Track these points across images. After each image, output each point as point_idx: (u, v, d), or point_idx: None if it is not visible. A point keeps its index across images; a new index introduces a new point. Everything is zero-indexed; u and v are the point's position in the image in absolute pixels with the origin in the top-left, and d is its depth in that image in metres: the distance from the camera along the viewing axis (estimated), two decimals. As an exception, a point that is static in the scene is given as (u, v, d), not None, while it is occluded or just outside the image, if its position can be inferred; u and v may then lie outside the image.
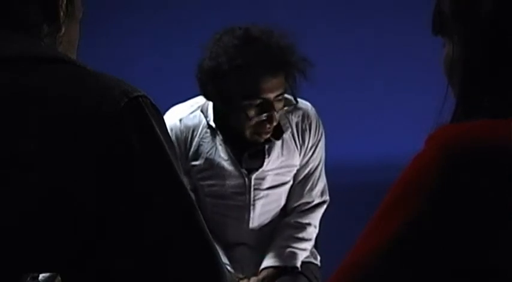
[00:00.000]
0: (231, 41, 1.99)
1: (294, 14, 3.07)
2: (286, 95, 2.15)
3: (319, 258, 2.30)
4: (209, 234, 0.95)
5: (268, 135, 2.09)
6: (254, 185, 2.15)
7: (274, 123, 2.05)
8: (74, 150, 0.87)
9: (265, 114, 2.02)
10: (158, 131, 0.92)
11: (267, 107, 2.02)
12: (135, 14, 3.68)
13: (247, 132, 2.07)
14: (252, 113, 2.02)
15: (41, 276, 0.88)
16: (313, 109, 2.21)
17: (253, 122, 2.03)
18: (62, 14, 0.99)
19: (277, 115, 2.06)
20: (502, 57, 0.74)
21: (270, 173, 2.15)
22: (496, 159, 0.67)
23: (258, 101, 2.01)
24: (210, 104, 2.13)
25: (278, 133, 2.13)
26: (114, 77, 0.96)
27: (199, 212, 0.96)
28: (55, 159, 0.86)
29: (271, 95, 2.01)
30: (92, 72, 0.95)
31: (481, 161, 0.67)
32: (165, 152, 0.92)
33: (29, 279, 0.85)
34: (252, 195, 2.16)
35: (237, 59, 1.97)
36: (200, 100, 2.16)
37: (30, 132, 0.88)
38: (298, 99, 2.21)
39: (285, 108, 2.10)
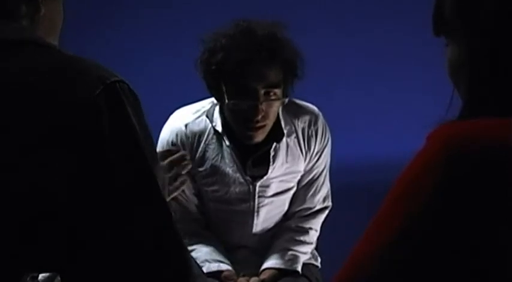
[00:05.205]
0: (227, 31, 1.99)
1: (296, 15, 3.07)
2: (295, 100, 2.14)
3: (319, 259, 2.29)
4: (174, 222, 0.93)
5: (260, 135, 2.04)
6: (259, 192, 2.12)
7: (263, 119, 2.00)
8: (47, 143, 0.86)
9: (249, 103, 1.97)
10: (133, 119, 0.90)
11: (252, 96, 1.97)
12: (138, 13, 3.68)
13: (235, 125, 2.04)
14: (236, 101, 1.98)
15: (41, 276, 0.88)
16: (320, 114, 2.17)
17: (239, 112, 1.99)
18: None
19: (270, 113, 2.01)
20: (506, 57, 0.74)
21: (274, 180, 2.13)
22: (497, 157, 0.67)
23: (243, 89, 1.97)
24: (216, 109, 2.11)
25: (278, 135, 2.09)
26: (91, 60, 0.93)
27: (166, 197, 0.94)
28: (31, 156, 0.85)
29: (258, 85, 1.96)
30: (67, 56, 0.92)
31: (482, 159, 0.67)
32: (138, 142, 0.90)
33: (28, 279, 0.85)
34: (256, 202, 2.14)
35: (227, 46, 1.96)
36: (205, 104, 2.14)
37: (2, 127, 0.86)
38: (305, 104, 2.19)
39: (277, 102, 2.03)
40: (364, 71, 3.63)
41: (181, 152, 1.43)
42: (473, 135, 0.68)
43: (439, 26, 0.81)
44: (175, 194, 1.38)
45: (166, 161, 1.35)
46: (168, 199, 1.33)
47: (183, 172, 1.38)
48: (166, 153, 1.39)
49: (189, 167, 1.43)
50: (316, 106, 2.20)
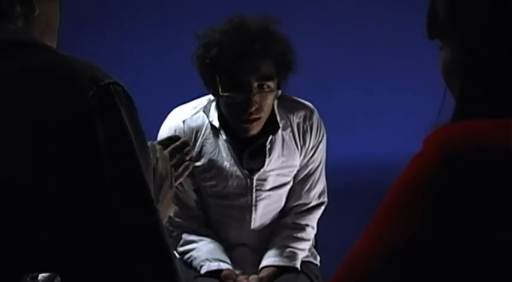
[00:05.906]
0: (221, 27, 2.02)
1: (295, 14, 3.08)
2: (291, 96, 2.15)
3: (318, 258, 2.30)
4: (165, 232, 0.92)
5: (256, 128, 2.07)
6: (256, 186, 2.15)
7: (257, 112, 2.03)
8: (39, 145, 0.85)
9: (242, 96, 2.01)
10: (127, 122, 0.89)
11: (245, 88, 2.00)
12: (138, 13, 3.68)
13: (231, 119, 2.07)
14: (230, 94, 2.02)
15: (41, 276, 0.88)
16: (315, 110, 2.20)
17: (233, 105, 2.03)
18: None
19: (264, 105, 2.04)
20: (504, 57, 0.74)
21: (271, 173, 2.15)
22: (496, 158, 0.66)
23: (237, 82, 2.00)
24: (213, 105, 2.13)
25: (274, 128, 2.12)
26: (86, 61, 0.92)
27: (157, 208, 0.94)
28: (31, 157, 0.85)
29: (251, 78, 2.00)
30: (61, 56, 0.91)
31: (480, 160, 0.66)
32: (131, 145, 0.89)
33: (28, 279, 0.85)
34: (254, 196, 2.15)
35: (221, 41, 1.99)
36: (203, 101, 2.17)
37: None
38: (300, 100, 2.21)
39: (271, 95, 2.06)
40: (364, 71, 3.63)
41: (183, 139, 1.44)
42: (470, 137, 0.68)
43: (433, 29, 0.81)
44: (180, 180, 1.39)
45: (168, 149, 1.35)
46: (174, 185, 1.34)
47: (186, 158, 1.39)
48: (167, 141, 1.39)
49: (192, 153, 1.45)
50: (315, 106, 2.22)
